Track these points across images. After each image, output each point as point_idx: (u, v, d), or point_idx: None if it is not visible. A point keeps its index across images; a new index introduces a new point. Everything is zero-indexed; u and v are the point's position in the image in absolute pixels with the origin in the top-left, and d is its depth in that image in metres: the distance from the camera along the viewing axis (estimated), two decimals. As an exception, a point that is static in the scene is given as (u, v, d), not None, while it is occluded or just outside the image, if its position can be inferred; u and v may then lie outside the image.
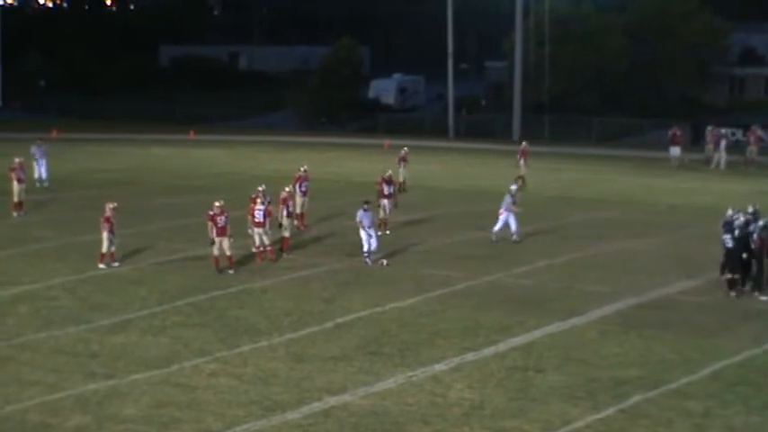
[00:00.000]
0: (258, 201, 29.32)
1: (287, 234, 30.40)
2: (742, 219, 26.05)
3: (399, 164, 43.70)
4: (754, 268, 25.96)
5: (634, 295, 25.98)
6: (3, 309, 24.24)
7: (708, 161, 55.38)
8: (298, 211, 33.71)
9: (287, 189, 31.15)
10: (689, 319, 23.99)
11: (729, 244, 25.86)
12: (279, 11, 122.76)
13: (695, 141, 62.53)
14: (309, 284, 26.87)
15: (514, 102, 72.92)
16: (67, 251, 30.67)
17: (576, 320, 23.63)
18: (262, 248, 29.34)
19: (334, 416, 17.68)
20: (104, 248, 28.30)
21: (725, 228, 26.25)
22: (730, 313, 24.54)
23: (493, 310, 24.48)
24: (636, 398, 18.63)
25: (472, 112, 78.54)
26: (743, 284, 25.94)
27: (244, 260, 28.99)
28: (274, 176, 41.70)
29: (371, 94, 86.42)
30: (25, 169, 38.43)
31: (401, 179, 42.62)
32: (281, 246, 30.22)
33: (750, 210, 27.09)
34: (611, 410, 18.03)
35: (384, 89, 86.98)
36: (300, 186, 34.41)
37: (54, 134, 64.44)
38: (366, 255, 29.06)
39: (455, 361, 20.61)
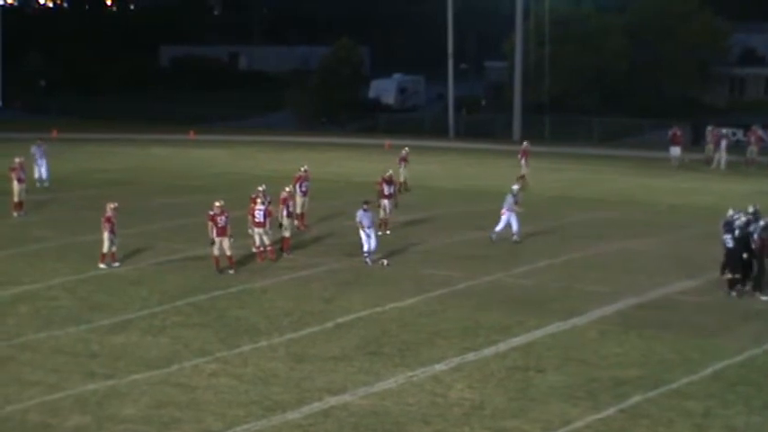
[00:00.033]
0: (258, 201, 29.31)
1: (287, 234, 30.40)
2: (743, 219, 26.05)
3: (400, 164, 43.69)
4: (755, 268, 25.95)
5: (634, 295, 25.98)
6: (3, 309, 24.24)
7: (708, 161, 55.38)
8: (298, 211, 33.71)
9: (287, 189, 31.15)
10: (689, 319, 23.99)
11: (730, 244, 25.86)
12: (279, 11, 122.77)
13: (695, 141, 62.53)
14: (309, 284, 26.86)
15: (514, 102, 72.92)
16: (68, 251, 30.66)
17: (576, 320, 23.63)
18: (262, 248, 29.33)
19: (334, 416, 17.67)
20: (105, 248, 28.30)
21: (725, 228, 26.24)
22: (730, 313, 24.54)
23: (493, 310, 24.48)
24: (636, 398, 18.62)
25: (472, 113, 78.54)
26: (743, 284, 25.93)
27: (244, 260, 28.98)
28: (274, 176, 41.69)
29: (371, 94, 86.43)
30: (25, 169, 38.43)
31: (402, 179, 42.62)
32: (281, 246, 30.21)
33: (750, 210, 27.08)
34: (611, 410, 18.03)
35: (384, 89, 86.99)
36: (301, 186, 34.41)
37: (54, 134, 64.43)
38: (366, 255, 29.05)
39: (455, 361, 20.60)
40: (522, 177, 44.59)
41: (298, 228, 33.07)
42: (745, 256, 25.73)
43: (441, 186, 46.02)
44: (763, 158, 55.21)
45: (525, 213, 32.97)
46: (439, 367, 20.22)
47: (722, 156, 54.50)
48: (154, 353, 20.98)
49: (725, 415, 17.89)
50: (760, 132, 56.77)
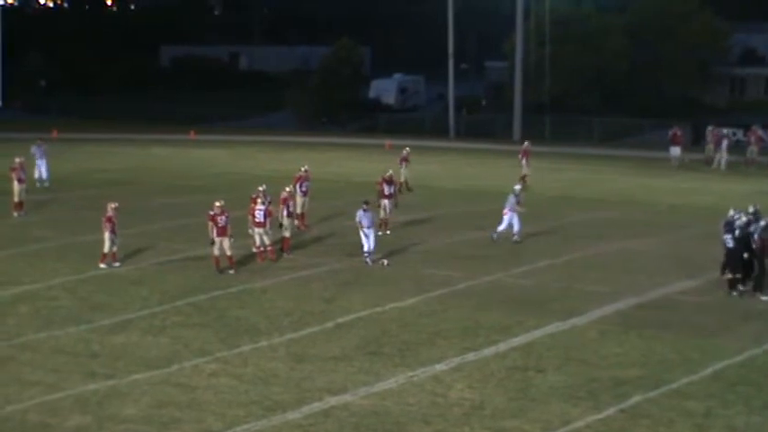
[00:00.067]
0: (258, 201, 29.31)
1: (287, 234, 30.40)
2: (744, 219, 26.05)
3: (401, 164, 43.66)
4: (756, 268, 25.94)
5: (634, 295, 25.98)
6: (3, 309, 24.24)
7: (708, 161, 55.36)
8: (298, 211, 33.70)
9: (287, 189, 31.15)
10: (689, 319, 23.99)
11: (730, 244, 25.86)
12: (279, 11, 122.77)
13: (696, 141, 62.54)
14: (310, 284, 26.86)
15: (515, 102, 72.92)
16: (68, 251, 30.66)
17: (576, 320, 23.63)
18: (262, 248, 29.33)
19: (334, 416, 17.67)
20: (106, 248, 28.29)
21: (726, 228, 26.24)
22: (731, 313, 24.54)
23: (493, 310, 24.48)
24: (636, 398, 18.62)
25: (473, 113, 78.53)
26: (744, 284, 25.92)
27: (244, 260, 28.98)
28: (274, 176, 41.69)
29: (372, 94, 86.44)
30: (26, 169, 38.43)
31: (402, 179, 42.62)
32: (281, 246, 30.21)
33: (751, 210, 27.08)
34: (611, 410, 18.03)
35: (384, 89, 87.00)
36: (301, 186, 34.40)
37: (54, 134, 64.44)
38: (366, 255, 29.05)
39: (455, 361, 20.60)
40: (524, 177, 44.61)
41: (298, 228, 33.07)
42: (745, 256, 25.73)
43: (441, 186, 46.02)
44: (763, 158, 55.20)
45: (525, 213, 32.97)
46: (439, 367, 20.22)
47: (723, 156, 54.49)
48: (154, 353, 20.98)
49: (725, 415, 17.90)
50: (760, 132, 56.77)
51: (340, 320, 23.40)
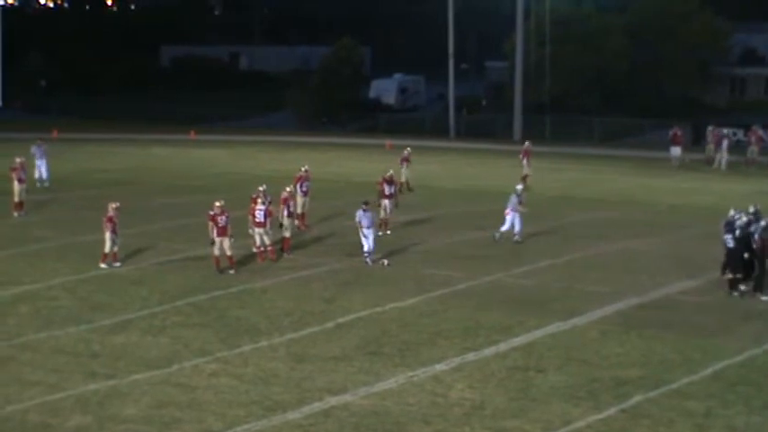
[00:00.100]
0: (259, 201, 29.30)
1: (288, 234, 30.39)
2: (744, 219, 26.04)
3: (402, 164, 43.64)
4: (756, 268, 25.93)
5: (635, 295, 25.97)
6: (3, 309, 24.23)
7: (709, 161, 55.34)
8: (299, 211, 33.70)
9: (288, 189, 31.14)
10: (690, 319, 23.98)
11: (731, 244, 25.85)
12: (279, 11, 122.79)
13: (696, 141, 62.54)
14: (310, 284, 26.86)
15: (515, 102, 72.94)
16: (68, 251, 30.66)
17: (576, 320, 23.62)
18: (262, 248, 29.32)
19: (334, 416, 17.67)
20: (107, 248, 28.29)
21: (726, 228, 26.23)
22: (731, 313, 24.54)
23: (494, 310, 24.47)
24: (637, 398, 18.62)
25: (473, 113, 78.54)
26: (745, 284, 25.90)
27: (244, 260, 28.98)
28: (275, 176, 41.69)
29: (372, 94, 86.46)
30: (26, 169, 38.43)
31: (403, 179, 42.62)
32: (281, 246, 30.21)
33: (751, 210, 27.07)
34: (612, 410, 18.02)
35: (385, 89, 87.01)
36: (301, 186, 34.40)
37: (54, 134, 64.45)
38: (366, 255, 29.05)
39: (456, 361, 20.59)
40: (526, 177, 44.61)
41: (298, 228, 33.06)
42: (746, 256, 25.72)
43: (441, 186, 46.02)
44: (763, 158, 55.20)
45: (526, 213, 32.95)
46: (439, 367, 20.21)
47: (723, 156, 54.47)
48: (154, 353, 20.98)
49: (725, 415, 17.89)
50: (760, 132, 56.76)
51: (340, 320, 23.40)
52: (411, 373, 19.79)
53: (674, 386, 19.25)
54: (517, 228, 32.26)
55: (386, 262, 29.15)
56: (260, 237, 29.25)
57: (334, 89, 78.24)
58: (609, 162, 58.41)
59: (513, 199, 32.40)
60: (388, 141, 63.98)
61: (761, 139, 56.12)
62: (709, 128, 57.51)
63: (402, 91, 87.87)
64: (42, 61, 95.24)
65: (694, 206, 41.13)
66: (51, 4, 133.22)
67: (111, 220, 28.16)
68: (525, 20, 73.82)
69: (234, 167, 52.10)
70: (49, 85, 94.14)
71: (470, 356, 20.88)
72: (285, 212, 30.28)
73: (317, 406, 18.08)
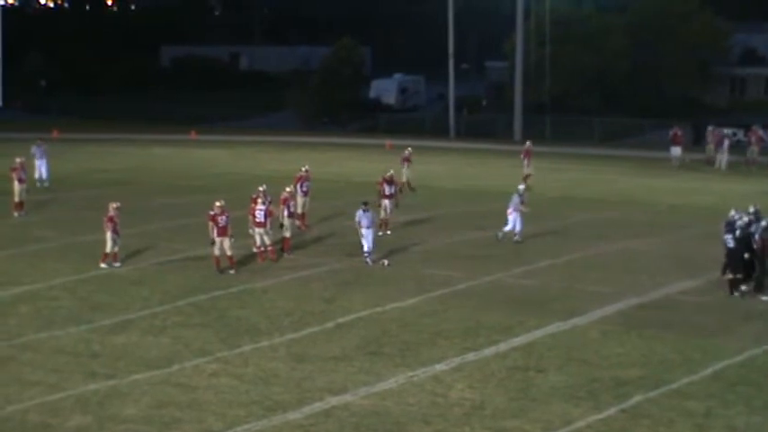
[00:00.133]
0: (259, 201, 29.30)
1: (288, 234, 30.39)
2: (745, 219, 26.04)
3: (403, 164, 43.64)
4: (757, 269, 25.93)
5: (635, 295, 25.97)
6: (4, 309, 24.24)
7: (710, 162, 55.28)
8: (299, 211, 33.70)
9: (288, 189, 31.15)
10: (690, 319, 23.99)
11: (731, 244, 25.85)
12: (279, 11, 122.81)
13: (696, 142, 62.54)
14: (310, 284, 26.86)
15: (515, 102, 72.95)
16: (68, 251, 30.67)
17: (577, 320, 23.62)
18: (263, 248, 29.33)
19: (335, 416, 17.67)
20: (108, 248, 28.29)
21: (727, 228, 26.23)
22: (731, 313, 24.54)
23: (494, 310, 24.47)
24: (637, 398, 18.62)
25: (473, 113, 78.56)
26: (746, 285, 25.88)
27: (245, 260, 28.98)
28: (275, 176, 41.68)
29: (372, 94, 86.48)
30: (26, 169, 38.43)
31: (404, 179, 42.62)
32: (281, 246, 30.21)
33: (751, 210, 27.07)
34: (612, 410, 18.02)
35: (385, 89, 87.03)
36: (302, 186, 34.40)
37: (55, 134, 64.46)
38: (366, 255, 29.05)
39: (456, 361, 20.60)
40: (528, 177, 44.60)
41: (299, 228, 33.07)
42: (746, 256, 25.71)
43: (441, 186, 46.02)
44: (763, 159, 55.17)
45: (528, 213, 32.94)
46: (439, 367, 20.22)
47: (724, 156, 54.44)
48: (155, 353, 20.98)
49: (725, 415, 17.89)
50: (761, 132, 56.73)
51: (340, 320, 23.40)
52: (411, 373, 19.79)
53: (675, 386, 19.26)
54: (517, 228, 32.27)
55: (386, 262, 29.15)
56: (260, 237, 29.26)
57: (334, 89, 78.25)
58: (609, 162, 58.41)
59: (516, 199, 32.41)
60: (388, 141, 64.00)
61: (761, 140, 56.09)
62: (709, 128, 57.49)
63: (402, 91, 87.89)
64: (42, 61, 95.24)
65: (694, 206, 41.13)
66: (51, 4, 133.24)
67: (111, 219, 28.16)
68: (525, 20, 73.84)
69: (234, 167, 52.11)
70: (49, 85, 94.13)
71: (470, 356, 20.89)
72: (285, 212, 30.28)
73: (317, 406, 18.08)
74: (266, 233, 29.27)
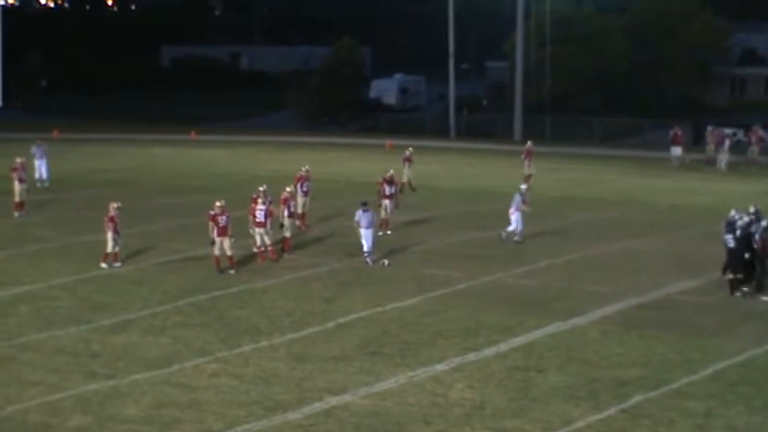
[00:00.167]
0: (259, 201, 29.30)
1: (288, 234, 30.39)
2: (745, 219, 26.03)
3: (404, 164, 43.64)
4: (757, 269, 25.92)
5: (635, 295, 25.97)
6: (4, 309, 24.24)
7: (710, 162, 55.22)
8: (299, 211, 33.70)
9: (288, 189, 31.15)
10: (690, 319, 23.99)
11: (731, 244, 25.84)
12: (280, 11, 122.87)
13: (696, 142, 62.53)
14: (310, 284, 26.87)
15: (515, 102, 72.96)
16: (68, 251, 30.67)
17: (577, 320, 23.63)
18: (263, 248, 29.33)
19: (335, 416, 17.67)
20: (109, 248, 28.29)
21: (727, 228, 26.22)
22: (731, 313, 24.54)
23: (494, 310, 24.47)
24: (637, 398, 18.63)
25: (473, 113, 78.58)
26: (747, 285, 25.87)
27: (245, 260, 28.99)
28: (275, 176, 41.69)
29: (372, 94, 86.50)
30: (27, 169, 38.43)
31: (405, 179, 42.62)
32: (282, 246, 30.21)
33: (751, 210, 27.06)
34: (612, 410, 18.03)
35: (385, 89, 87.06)
36: (302, 186, 34.40)
37: (55, 134, 64.47)
38: (366, 255, 29.05)
39: (456, 361, 20.60)
40: (530, 177, 44.60)
41: (299, 228, 33.07)
42: (746, 256, 25.70)
43: (442, 186, 46.02)
44: (763, 159, 55.16)
45: (529, 213, 32.92)
46: (440, 367, 20.22)
47: (724, 156, 54.41)
48: (155, 353, 20.98)
49: (726, 415, 17.89)
50: (761, 132, 56.72)
51: (341, 320, 23.40)
52: (411, 374, 19.79)
53: (675, 386, 19.26)
54: (518, 228, 32.27)
55: (386, 262, 29.15)
56: (260, 237, 29.26)
57: (334, 89, 78.26)
58: (609, 162, 58.41)
59: (517, 198, 32.43)
60: (388, 141, 64.01)
61: (761, 140, 56.08)
62: (709, 128, 57.46)
63: (402, 91, 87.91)
64: (42, 61, 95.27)
65: (694, 206, 41.14)
66: (51, 4, 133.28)
67: (112, 219, 28.16)
68: (525, 20, 73.86)
69: (234, 167, 52.11)
70: (49, 85, 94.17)
71: (471, 356, 20.89)
72: (286, 212, 30.28)
73: (317, 406, 18.08)
74: (266, 233, 29.27)
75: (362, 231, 28.97)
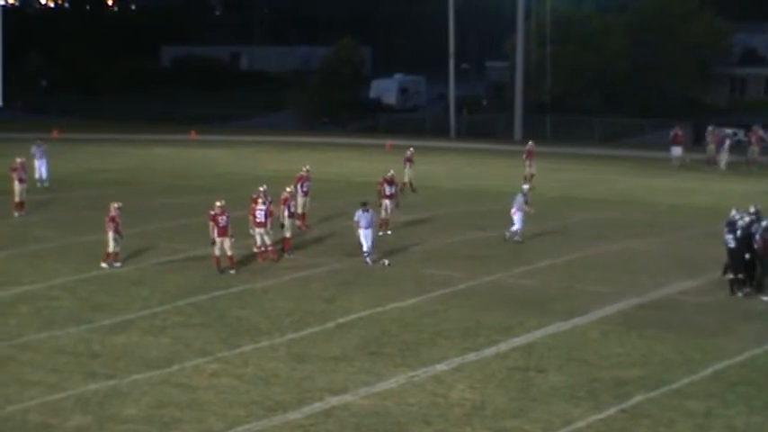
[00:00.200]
0: (259, 201, 29.30)
1: (288, 234, 30.39)
2: (746, 219, 26.02)
3: (405, 164, 43.62)
4: (758, 269, 25.91)
5: (635, 295, 25.97)
6: (4, 309, 24.24)
7: (711, 162, 55.19)
8: (299, 211, 33.70)
9: (288, 189, 31.15)
10: (690, 319, 23.99)
11: (732, 244, 25.83)
12: (280, 11, 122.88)
13: (696, 142, 62.54)
14: (310, 284, 26.86)
15: (516, 102, 72.96)
16: (68, 251, 30.67)
17: (577, 320, 23.62)
18: (263, 248, 29.33)
19: (335, 416, 17.67)
20: (111, 248, 28.28)
21: (728, 228, 26.21)
22: (731, 313, 24.53)
23: (494, 310, 24.47)
24: (637, 398, 18.62)
25: (473, 113, 78.58)
26: (747, 285, 25.85)
27: (245, 260, 28.99)
28: (275, 176, 41.68)
29: (373, 94, 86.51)
30: (27, 169, 38.43)
31: (407, 180, 42.62)
32: (282, 246, 30.21)
33: (752, 210, 27.04)
34: (612, 410, 18.02)
35: (385, 89, 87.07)
36: (302, 186, 34.40)
37: (55, 134, 64.47)
38: (366, 255, 29.05)
39: (456, 361, 20.60)
40: (532, 177, 44.58)
41: (299, 228, 33.07)
42: (747, 256, 25.68)
43: (442, 186, 46.02)
44: (764, 159, 55.16)
45: (532, 213, 32.89)
46: (440, 367, 20.22)
47: (724, 156, 54.40)
48: (155, 353, 20.98)
49: (726, 415, 17.89)
50: (761, 132, 56.71)
51: (341, 320, 23.40)
52: (412, 374, 19.79)
53: (675, 386, 19.26)
54: (515, 228, 32.27)
55: (386, 262, 29.15)
56: (260, 237, 29.26)
57: (334, 89, 78.28)
58: (609, 162, 58.41)
59: (519, 198, 32.44)
60: (388, 141, 64.02)
61: (761, 140, 56.07)
62: (709, 128, 57.45)
63: (402, 91, 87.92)
64: (42, 61, 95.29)
65: (694, 206, 41.13)
66: (52, 4, 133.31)
67: (113, 219, 28.16)
68: (526, 20, 73.86)
69: (234, 167, 52.11)
70: (49, 85, 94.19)
71: (471, 356, 20.89)
72: (286, 213, 30.28)
73: (317, 406, 18.08)
74: (267, 233, 29.27)
75: (362, 231, 28.98)
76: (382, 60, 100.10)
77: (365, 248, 29.05)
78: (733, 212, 26.65)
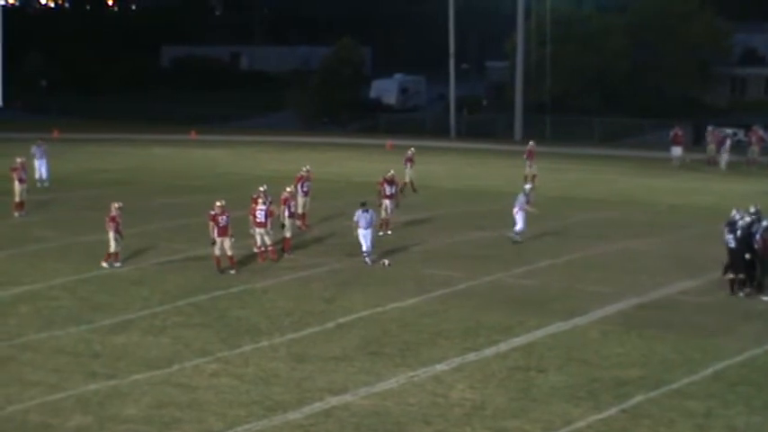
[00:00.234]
0: (259, 201, 29.31)
1: (288, 234, 30.40)
2: (747, 219, 26.02)
3: (406, 164, 43.59)
4: (758, 269, 25.90)
5: (635, 295, 25.97)
6: (4, 309, 24.24)
7: (711, 162, 55.17)
8: (299, 211, 33.70)
9: (288, 189, 31.16)
10: (690, 319, 23.99)
11: (732, 244, 25.83)
12: (280, 11, 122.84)
13: (696, 142, 62.54)
14: (310, 284, 26.87)
15: (516, 102, 72.98)
16: (69, 251, 30.67)
17: (577, 320, 23.62)
18: (263, 248, 29.33)
19: (335, 416, 17.67)
20: (112, 248, 28.28)
21: (728, 228, 26.21)
22: (731, 313, 24.53)
23: (494, 310, 24.47)
24: (637, 398, 18.63)
25: (473, 113, 78.58)
26: (748, 285, 25.84)
27: (245, 260, 28.99)
28: (275, 176, 41.69)
29: (373, 94, 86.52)
30: (27, 169, 38.44)
31: (407, 180, 42.61)
32: (282, 246, 30.21)
33: (752, 210, 27.05)
34: (612, 410, 18.02)
35: (385, 89, 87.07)
36: (302, 186, 34.41)
37: (55, 134, 64.50)
38: (366, 255, 29.06)
39: (456, 361, 20.60)
40: (534, 177, 44.57)
41: (299, 228, 33.08)
42: (747, 256, 25.68)
43: (442, 186, 46.02)
44: (764, 159, 55.17)
45: (534, 213, 32.87)
46: (440, 367, 20.22)
47: (725, 156, 54.39)
48: (155, 353, 20.98)
49: (726, 415, 17.89)
50: (761, 132, 56.75)
51: (341, 320, 23.40)
52: (412, 374, 19.79)
53: (675, 386, 19.26)
54: (519, 227, 32.28)
55: (386, 262, 29.16)
56: (261, 237, 29.26)
57: (334, 89, 78.29)
58: (609, 162, 58.42)
59: (521, 198, 32.44)
60: (388, 141, 64.02)
61: (761, 140, 56.10)
62: (709, 128, 57.47)
63: (403, 91, 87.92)
64: (42, 61, 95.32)
65: (694, 206, 41.13)
66: (52, 4, 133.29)
67: (114, 219, 28.17)
68: (526, 20, 73.87)
69: (234, 167, 52.12)
70: (49, 85, 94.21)
71: (471, 356, 20.89)
72: (286, 213, 30.29)
73: (317, 406, 18.08)
74: (267, 233, 29.28)
75: (361, 231, 28.99)
76: (382, 60, 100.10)
77: (364, 248, 29.05)
78: (733, 212, 26.66)
